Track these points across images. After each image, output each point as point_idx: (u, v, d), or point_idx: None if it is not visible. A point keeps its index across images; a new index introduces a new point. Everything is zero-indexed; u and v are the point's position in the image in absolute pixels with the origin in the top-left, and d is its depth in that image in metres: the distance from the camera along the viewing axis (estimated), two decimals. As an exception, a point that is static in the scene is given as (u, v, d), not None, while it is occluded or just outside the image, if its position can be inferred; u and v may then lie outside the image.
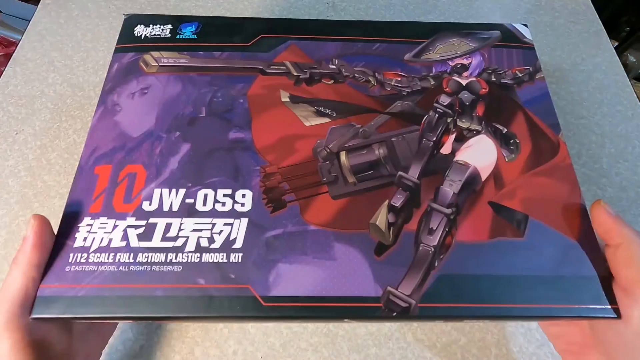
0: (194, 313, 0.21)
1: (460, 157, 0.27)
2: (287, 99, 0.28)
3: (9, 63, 0.42)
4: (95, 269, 0.21)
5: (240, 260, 0.22)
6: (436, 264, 0.23)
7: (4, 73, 0.42)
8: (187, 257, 0.22)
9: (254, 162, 0.26)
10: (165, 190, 0.24)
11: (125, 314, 0.20)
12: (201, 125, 0.27)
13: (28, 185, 0.35)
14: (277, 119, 0.27)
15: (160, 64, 0.28)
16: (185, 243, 0.22)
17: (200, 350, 0.28)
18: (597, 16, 0.49)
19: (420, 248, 0.23)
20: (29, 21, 0.46)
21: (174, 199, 0.24)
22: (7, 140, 0.37)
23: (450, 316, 0.22)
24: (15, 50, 0.43)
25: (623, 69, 0.44)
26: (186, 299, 0.21)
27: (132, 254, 0.22)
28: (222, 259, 0.22)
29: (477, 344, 0.29)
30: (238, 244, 0.23)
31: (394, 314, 0.21)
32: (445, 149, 0.27)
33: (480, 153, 0.27)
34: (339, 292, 0.22)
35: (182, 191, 0.24)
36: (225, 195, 0.24)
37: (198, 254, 0.22)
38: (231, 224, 0.23)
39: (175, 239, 0.23)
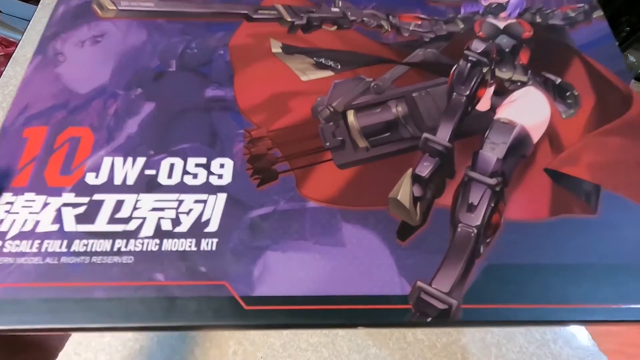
0: (146, 321, 0.15)
1: (502, 114, 0.21)
2: (279, 50, 0.23)
3: (9, 63, 0.40)
4: (12, 262, 0.15)
5: (214, 248, 0.16)
6: (482, 251, 0.17)
7: (4, 73, 0.40)
8: (142, 244, 0.16)
9: (237, 124, 0.20)
10: (119, 159, 0.18)
11: (48, 324, 0.14)
12: (170, 81, 0.21)
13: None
14: (266, 73, 0.22)
15: (119, 8, 0.23)
16: (140, 226, 0.17)
17: (200, 350, 0.28)
18: (597, 16, 0.44)
19: (459, 229, 0.17)
20: (29, 21, 0.44)
21: (129, 169, 0.18)
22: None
23: (505, 321, 0.16)
24: (15, 50, 0.41)
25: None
26: (137, 302, 0.15)
27: (65, 242, 0.16)
28: (189, 246, 0.16)
29: (477, 344, 0.28)
30: (212, 227, 0.17)
31: (429, 319, 0.15)
32: (483, 105, 0.21)
33: (528, 109, 0.21)
34: (351, 289, 0.16)
35: (140, 160, 0.18)
36: (197, 165, 0.18)
37: (157, 241, 0.16)
38: (204, 201, 0.17)
39: (127, 220, 0.17)
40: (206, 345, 0.28)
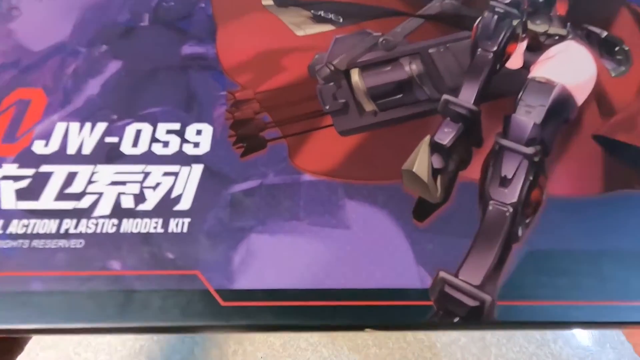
0: (95, 321, 0.12)
1: (538, 72, 0.17)
2: (271, 2, 0.19)
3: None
4: None
5: (185, 230, 0.13)
6: (520, 233, 0.14)
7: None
8: (97, 225, 0.13)
9: (219, 85, 0.17)
10: (75, 125, 0.15)
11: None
12: (141, 36, 0.18)
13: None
14: (254, 28, 0.18)
15: (84, -45, 0.20)
16: (95, 203, 0.14)
17: (200, 349, 0.29)
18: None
19: (491, 207, 0.14)
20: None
21: (86, 136, 0.15)
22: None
23: (553, 322, 0.13)
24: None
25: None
26: (84, 296, 0.12)
27: (1, 222, 0.13)
28: (155, 227, 0.13)
29: (477, 343, 0.29)
30: (184, 204, 0.14)
31: (456, 319, 0.12)
32: (514, 63, 0.18)
33: (569, 65, 0.18)
34: (356, 281, 0.13)
35: (101, 126, 0.15)
36: (169, 132, 0.15)
37: (115, 221, 0.13)
38: (176, 174, 0.14)
39: (79, 196, 0.14)
40: (206, 345, 0.29)
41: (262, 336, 0.29)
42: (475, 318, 0.12)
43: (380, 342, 0.29)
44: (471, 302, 0.12)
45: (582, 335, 0.29)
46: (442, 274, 0.13)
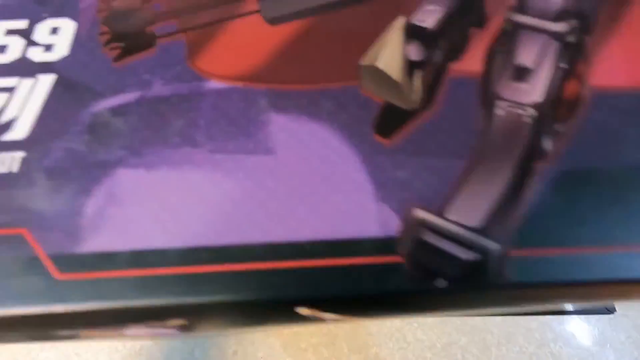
0: None
1: None
2: None
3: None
4: None
5: (16, 170, 0.09)
6: (548, 148, 0.09)
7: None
8: None
9: None
10: None
11: None
12: None
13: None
14: None
15: None
16: None
17: (200, 350, 0.29)
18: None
19: (500, 112, 0.09)
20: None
21: None
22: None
23: (606, 282, 0.08)
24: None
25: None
26: None
27: None
28: (-33, 167, 0.09)
29: (477, 344, 0.29)
30: (19, 132, 0.09)
31: (441, 283, 0.08)
32: None
33: None
34: (279, 233, 0.08)
35: None
36: (10, 33, 0.10)
37: None
38: (10, 90, 0.09)
39: None
40: (206, 345, 0.29)
41: (263, 336, 0.29)
42: (474, 279, 0.07)
43: (381, 342, 0.29)
44: (466, 255, 0.07)
45: (582, 335, 0.28)
46: (419, 212, 0.08)
